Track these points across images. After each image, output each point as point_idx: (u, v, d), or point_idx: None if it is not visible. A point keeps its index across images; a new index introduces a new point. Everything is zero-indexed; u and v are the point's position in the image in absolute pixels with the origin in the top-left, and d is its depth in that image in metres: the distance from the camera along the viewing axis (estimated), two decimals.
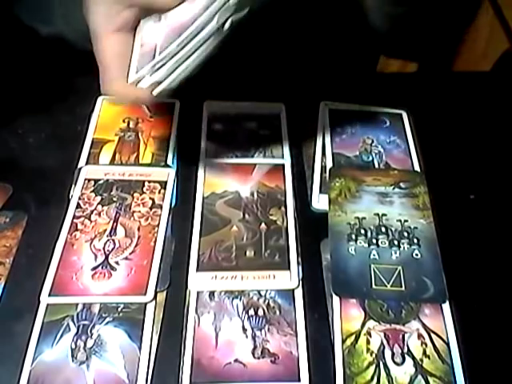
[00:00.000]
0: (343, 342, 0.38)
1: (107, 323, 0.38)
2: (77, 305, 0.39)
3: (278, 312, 0.39)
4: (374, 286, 0.41)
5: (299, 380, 0.36)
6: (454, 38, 0.82)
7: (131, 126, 0.51)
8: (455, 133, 0.53)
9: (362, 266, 0.42)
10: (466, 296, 0.41)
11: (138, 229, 0.43)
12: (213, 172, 0.48)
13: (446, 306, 0.40)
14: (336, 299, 0.40)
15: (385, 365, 0.37)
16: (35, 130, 0.51)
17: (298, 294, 0.40)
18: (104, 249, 0.42)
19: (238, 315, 0.39)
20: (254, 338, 0.38)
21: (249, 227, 0.44)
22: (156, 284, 0.40)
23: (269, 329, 0.38)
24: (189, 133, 0.51)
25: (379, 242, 0.43)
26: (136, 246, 0.42)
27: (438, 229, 0.44)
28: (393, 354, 0.37)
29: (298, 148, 0.51)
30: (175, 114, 0.52)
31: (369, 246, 0.43)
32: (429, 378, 0.36)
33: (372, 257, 0.42)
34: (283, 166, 0.48)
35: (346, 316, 0.39)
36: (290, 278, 0.41)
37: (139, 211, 0.44)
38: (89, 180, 0.46)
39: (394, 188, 0.47)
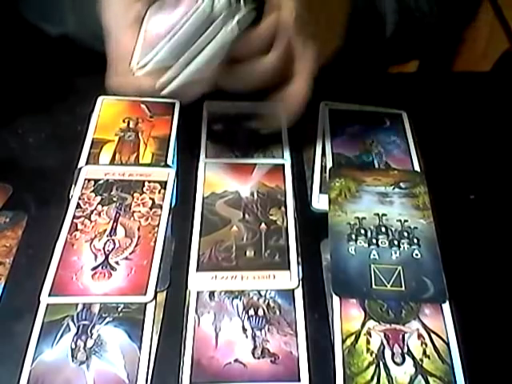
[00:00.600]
0: (343, 341, 0.38)
1: (107, 323, 0.38)
2: (77, 305, 0.39)
3: (277, 312, 0.39)
4: (373, 286, 0.41)
5: (299, 380, 0.36)
6: (454, 36, 0.82)
7: (131, 125, 0.51)
8: (455, 133, 0.53)
9: (362, 266, 0.42)
10: (466, 296, 0.41)
11: (138, 229, 0.43)
12: (213, 172, 0.48)
13: (446, 306, 0.40)
14: (336, 299, 0.40)
15: (385, 365, 0.37)
16: (35, 129, 0.51)
17: (298, 294, 0.40)
18: (104, 249, 0.42)
19: (238, 315, 0.39)
20: (253, 337, 0.38)
21: (249, 227, 0.44)
22: (156, 284, 0.40)
23: (269, 329, 0.38)
24: (189, 133, 0.51)
25: (379, 242, 0.43)
26: (136, 245, 0.42)
27: (438, 229, 0.44)
28: (393, 354, 0.37)
29: (298, 148, 0.51)
30: (175, 114, 0.52)
31: (369, 246, 0.43)
32: (429, 378, 0.36)
33: (372, 257, 0.42)
34: (283, 166, 0.48)
35: (346, 316, 0.39)
36: (290, 278, 0.41)
37: (139, 211, 0.44)
38: (89, 180, 0.46)
39: (394, 188, 0.47)
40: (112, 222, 0.44)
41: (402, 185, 0.47)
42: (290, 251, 0.42)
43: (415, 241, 0.43)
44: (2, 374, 0.36)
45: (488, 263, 0.43)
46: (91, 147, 0.49)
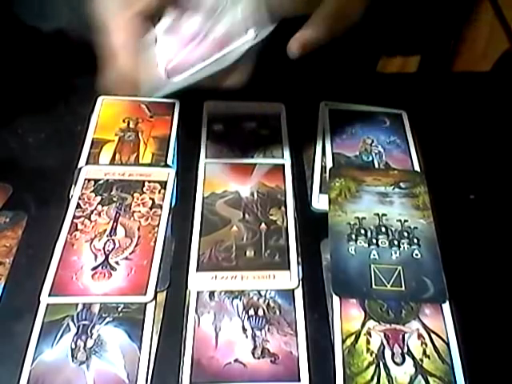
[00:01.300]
0: (343, 341, 0.38)
1: (107, 323, 0.38)
2: (77, 305, 0.39)
3: (277, 312, 0.39)
4: (374, 286, 0.41)
5: (299, 380, 0.36)
6: (453, 30, 0.82)
7: (131, 125, 0.51)
8: (455, 133, 0.53)
9: (362, 266, 0.42)
10: (466, 296, 0.41)
11: (138, 229, 0.43)
12: (213, 172, 0.48)
13: (446, 306, 0.40)
14: (336, 299, 0.40)
15: (385, 365, 0.37)
16: (35, 129, 0.51)
17: (298, 294, 0.40)
18: (104, 249, 0.42)
19: (238, 315, 0.39)
20: (254, 337, 0.38)
21: (249, 227, 0.44)
22: (156, 284, 0.40)
23: (269, 329, 0.38)
24: (189, 133, 0.51)
25: (379, 242, 0.43)
26: (136, 246, 0.42)
27: (438, 229, 0.44)
28: (393, 354, 0.37)
29: (298, 148, 0.51)
30: (175, 114, 0.52)
31: (369, 246, 0.43)
32: (429, 378, 0.36)
33: (372, 257, 0.42)
34: (283, 166, 0.48)
35: (346, 316, 0.39)
36: (290, 278, 0.41)
37: (139, 211, 0.44)
38: (89, 180, 0.46)
39: (393, 188, 0.47)
40: (112, 221, 0.44)
41: (402, 185, 0.47)
42: (290, 251, 0.42)
43: (415, 241, 0.43)
44: (2, 373, 0.36)
45: (488, 263, 0.43)
46: (91, 147, 0.49)
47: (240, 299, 0.40)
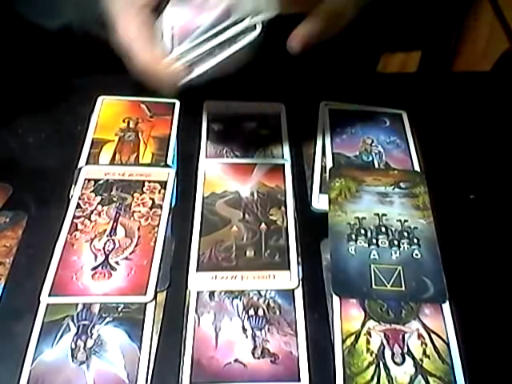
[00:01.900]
0: (343, 342, 0.38)
1: (107, 323, 0.38)
2: (77, 305, 0.39)
3: (277, 312, 0.39)
4: (373, 286, 0.41)
5: (299, 380, 0.36)
6: (454, 24, 0.81)
7: (131, 125, 0.51)
8: (455, 133, 0.53)
9: (362, 266, 0.42)
10: (466, 296, 0.41)
11: (138, 229, 0.43)
12: (213, 172, 0.48)
13: (446, 306, 0.40)
14: (336, 299, 0.40)
15: (385, 365, 0.37)
16: (35, 129, 0.51)
17: (298, 294, 0.40)
18: (104, 249, 0.42)
19: (238, 315, 0.39)
20: (254, 337, 0.38)
21: (249, 227, 0.44)
22: (156, 284, 0.40)
23: (269, 329, 0.38)
24: (189, 133, 0.51)
25: (379, 242, 0.43)
26: (136, 246, 0.42)
27: (438, 229, 0.44)
28: (393, 354, 0.37)
29: (298, 148, 0.51)
30: (175, 114, 0.52)
31: (369, 246, 0.43)
32: (429, 378, 0.36)
33: (372, 257, 0.42)
34: (283, 165, 0.48)
35: (346, 316, 0.39)
36: (290, 278, 0.41)
37: (139, 211, 0.44)
38: (89, 180, 0.46)
39: (393, 188, 0.47)
40: (112, 221, 0.44)
41: (402, 185, 0.47)
42: (290, 251, 0.42)
43: (415, 241, 0.43)
44: (2, 373, 0.36)
45: (488, 263, 0.43)
46: (91, 147, 0.49)
47: (240, 299, 0.40)
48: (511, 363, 0.38)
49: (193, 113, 0.52)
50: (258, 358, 0.37)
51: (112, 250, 0.42)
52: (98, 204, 0.45)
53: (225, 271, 0.41)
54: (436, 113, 0.55)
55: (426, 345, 0.38)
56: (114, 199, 0.45)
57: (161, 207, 0.45)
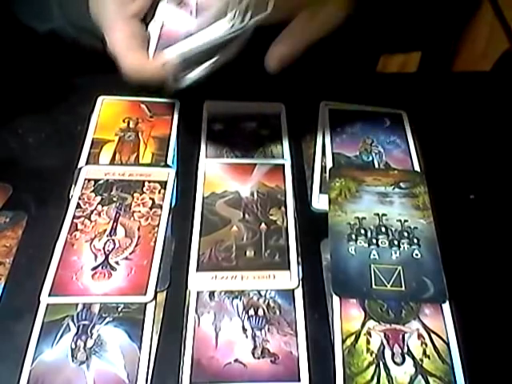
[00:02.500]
0: (343, 342, 0.38)
1: (107, 323, 0.38)
2: (77, 305, 0.39)
3: (277, 312, 0.39)
4: (373, 286, 0.41)
5: (299, 380, 0.36)
6: (454, 25, 0.81)
7: (131, 125, 0.51)
8: (455, 133, 0.53)
9: (362, 266, 0.42)
10: (466, 296, 0.41)
11: (138, 229, 0.43)
12: (213, 172, 0.48)
13: (446, 306, 0.40)
14: (336, 299, 0.40)
15: (385, 365, 0.37)
16: (35, 129, 0.51)
17: (298, 294, 0.40)
18: (104, 249, 0.42)
19: (238, 315, 0.39)
20: (254, 338, 0.38)
21: (249, 227, 0.44)
22: (156, 284, 0.40)
23: (269, 329, 0.38)
24: (189, 133, 0.51)
25: (379, 242, 0.43)
26: (136, 246, 0.42)
27: (438, 229, 0.44)
28: (393, 354, 0.37)
29: (298, 148, 0.51)
30: (175, 114, 0.52)
31: (369, 246, 0.43)
32: (429, 378, 0.36)
33: (372, 257, 0.42)
34: (283, 166, 0.48)
35: (346, 316, 0.39)
36: (290, 278, 0.41)
37: (139, 211, 0.44)
38: (89, 180, 0.46)
39: (394, 188, 0.47)
40: (112, 222, 0.44)
41: (402, 185, 0.47)
42: (290, 251, 0.42)
43: (415, 241, 0.43)
44: (2, 373, 0.36)
45: (488, 263, 0.43)
46: (91, 147, 0.49)
47: (240, 299, 0.40)
48: (511, 363, 0.38)
49: (193, 113, 0.52)
50: (258, 358, 0.37)
51: (112, 249, 0.42)
52: (98, 204, 0.45)
53: (225, 271, 0.41)
54: (436, 113, 0.55)
55: (426, 345, 0.38)
56: (114, 199, 0.45)
57: (161, 207, 0.45)
